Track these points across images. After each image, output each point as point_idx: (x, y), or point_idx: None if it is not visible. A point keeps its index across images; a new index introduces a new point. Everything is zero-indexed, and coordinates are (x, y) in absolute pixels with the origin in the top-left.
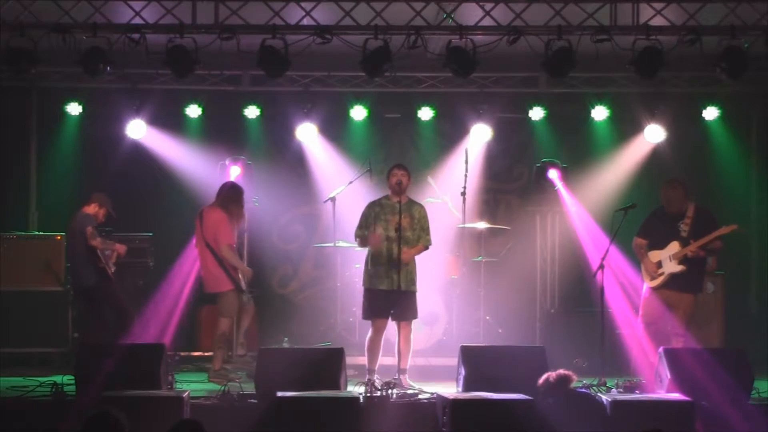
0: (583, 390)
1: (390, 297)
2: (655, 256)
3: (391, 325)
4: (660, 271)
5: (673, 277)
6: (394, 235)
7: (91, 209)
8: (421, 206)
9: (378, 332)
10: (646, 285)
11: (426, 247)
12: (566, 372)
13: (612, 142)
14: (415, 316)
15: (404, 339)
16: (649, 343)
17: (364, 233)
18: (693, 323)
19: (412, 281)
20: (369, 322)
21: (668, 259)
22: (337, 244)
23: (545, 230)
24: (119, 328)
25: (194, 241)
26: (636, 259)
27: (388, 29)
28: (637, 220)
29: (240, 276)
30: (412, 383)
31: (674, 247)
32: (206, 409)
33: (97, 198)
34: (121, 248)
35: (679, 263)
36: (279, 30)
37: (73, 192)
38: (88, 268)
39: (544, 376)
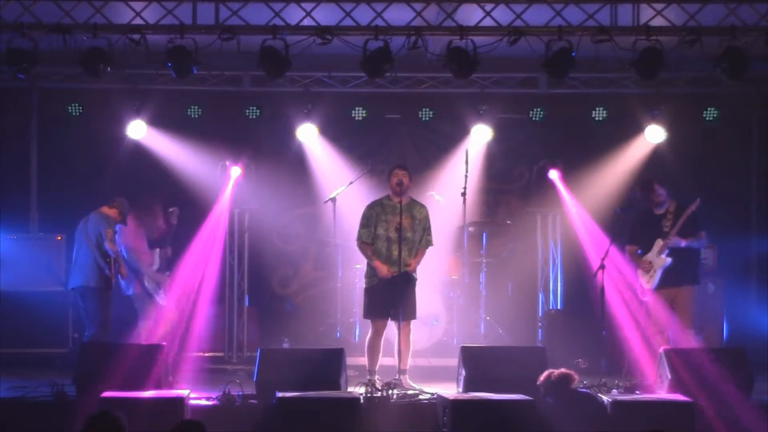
0: (585, 390)
1: (389, 292)
2: (647, 258)
3: (391, 326)
4: (652, 270)
5: (666, 273)
6: (394, 236)
7: (112, 212)
8: (423, 206)
9: (378, 333)
10: (647, 290)
11: (426, 248)
12: (568, 371)
13: (612, 143)
14: (413, 317)
15: (404, 339)
16: (654, 346)
17: (368, 234)
18: (697, 318)
19: (411, 282)
20: (369, 323)
21: (655, 256)
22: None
23: (545, 230)
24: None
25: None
26: None
27: (388, 30)
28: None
29: None
30: (412, 383)
31: (658, 244)
32: (206, 410)
33: (120, 204)
34: (123, 271)
35: (666, 256)
36: (279, 30)
37: (73, 192)
38: (94, 269)
39: (545, 374)
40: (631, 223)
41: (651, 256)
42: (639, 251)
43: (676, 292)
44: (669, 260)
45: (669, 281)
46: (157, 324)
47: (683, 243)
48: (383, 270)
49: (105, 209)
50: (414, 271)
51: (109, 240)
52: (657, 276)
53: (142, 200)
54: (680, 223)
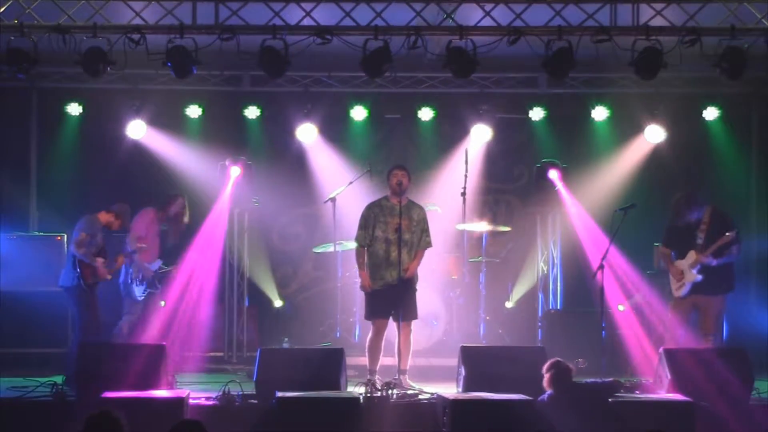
0: (589, 381)
1: (390, 294)
2: (679, 266)
3: (392, 326)
4: (682, 281)
5: (698, 283)
6: (393, 238)
7: (106, 218)
8: (421, 208)
9: (378, 333)
10: (673, 296)
11: (425, 250)
12: (566, 363)
13: (612, 142)
14: (415, 317)
15: (404, 340)
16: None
17: (364, 236)
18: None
19: (411, 283)
20: (369, 323)
21: (687, 267)
22: (338, 244)
23: (545, 230)
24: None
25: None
26: (636, 259)
27: (388, 30)
28: (637, 220)
29: None
30: (412, 384)
31: (691, 256)
32: (206, 410)
33: (120, 210)
34: (101, 267)
35: (697, 272)
36: (279, 30)
37: (73, 192)
38: (68, 269)
39: (549, 364)
40: (666, 226)
41: (683, 265)
42: (673, 253)
43: (706, 299)
44: (699, 277)
45: (699, 290)
46: (150, 323)
47: (714, 262)
48: (365, 283)
49: (101, 214)
50: (412, 274)
51: (75, 241)
52: (686, 287)
53: (168, 194)
54: (715, 246)
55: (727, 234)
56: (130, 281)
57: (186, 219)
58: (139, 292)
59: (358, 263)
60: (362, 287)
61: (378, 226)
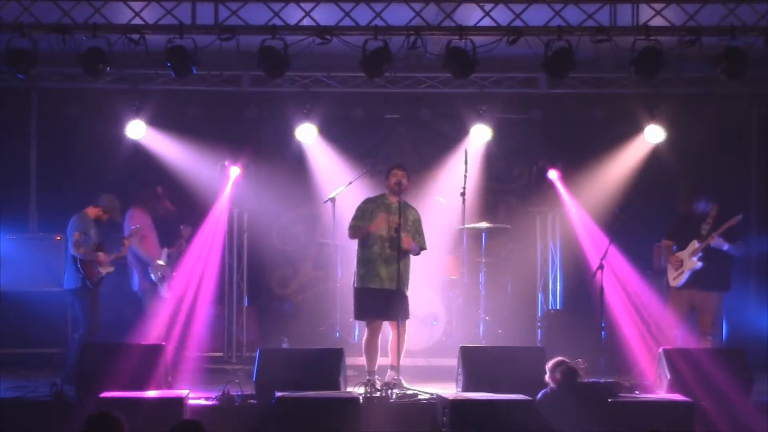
0: (591, 380)
1: (381, 296)
2: (679, 255)
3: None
4: (681, 269)
5: (697, 275)
6: (388, 236)
7: (95, 212)
8: (415, 210)
9: (373, 333)
10: (671, 286)
11: (418, 252)
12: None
13: (612, 142)
14: (406, 316)
15: (398, 338)
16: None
17: (359, 224)
18: (720, 322)
19: (405, 282)
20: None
21: (687, 256)
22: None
23: (545, 231)
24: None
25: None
26: (636, 259)
27: (387, 30)
28: (637, 220)
29: None
30: (406, 384)
31: (693, 245)
32: (206, 410)
33: (107, 202)
34: (104, 259)
35: (698, 260)
36: (279, 30)
37: (73, 192)
38: (71, 272)
39: (556, 362)
40: (672, 218)
41: (684, 254)
42: (674, 247)
43: (702, 296)
44: (699, 264)
45: (696, 283)
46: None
47: (726, 246)
48: (381, 222)
49: (88, 210)
50: (409, 245)
51: (73, 243)
52: (685, 276)
53: (142, 190)
54: (721, 230)
55: (732, 219)
56: (155, 282)
57: (168, 203)
58: (164, 290)
59: (361, 233)
60: (379, 227)
61: (374, 221)
